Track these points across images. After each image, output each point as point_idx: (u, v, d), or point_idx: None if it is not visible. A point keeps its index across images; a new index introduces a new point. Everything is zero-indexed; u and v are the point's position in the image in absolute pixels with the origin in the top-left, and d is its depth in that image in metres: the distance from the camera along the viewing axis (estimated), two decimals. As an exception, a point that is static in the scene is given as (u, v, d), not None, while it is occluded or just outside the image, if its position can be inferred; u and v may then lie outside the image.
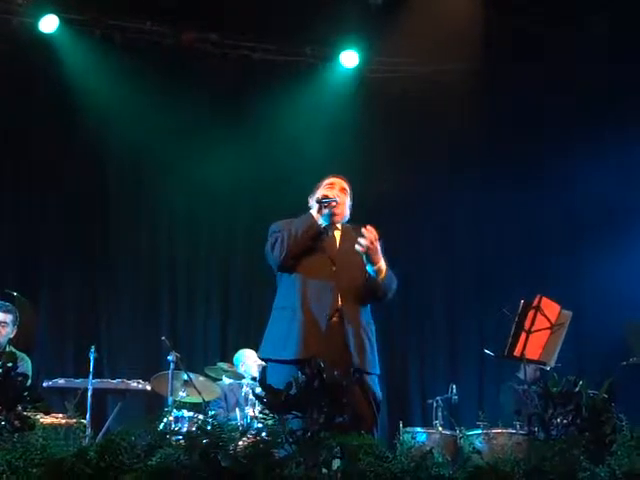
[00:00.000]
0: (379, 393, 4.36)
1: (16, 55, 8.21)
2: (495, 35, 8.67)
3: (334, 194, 4.49)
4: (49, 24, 8.40)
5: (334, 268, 4.39)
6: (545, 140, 9.27)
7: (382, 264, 4.37)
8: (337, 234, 4.55)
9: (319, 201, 4.42)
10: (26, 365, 6.13)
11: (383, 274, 4.39)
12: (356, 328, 4.32)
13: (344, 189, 4.60)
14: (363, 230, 4.29)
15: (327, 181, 4.61)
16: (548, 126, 9.21)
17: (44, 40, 8.45)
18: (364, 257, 4.32)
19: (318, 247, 4.43)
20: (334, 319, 4.30)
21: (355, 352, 4.26)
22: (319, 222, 4.42)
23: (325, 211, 4.43)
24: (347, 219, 4.63)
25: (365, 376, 4.29)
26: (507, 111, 9.12)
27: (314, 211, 4.44)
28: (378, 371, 4.39)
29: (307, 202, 4.63)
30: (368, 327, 4.42)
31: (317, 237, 4.42)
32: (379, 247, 4.33)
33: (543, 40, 8.76)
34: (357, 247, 4.29)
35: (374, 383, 4.35)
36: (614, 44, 8.64)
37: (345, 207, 4.59)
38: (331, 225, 4.53)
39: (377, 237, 4.31)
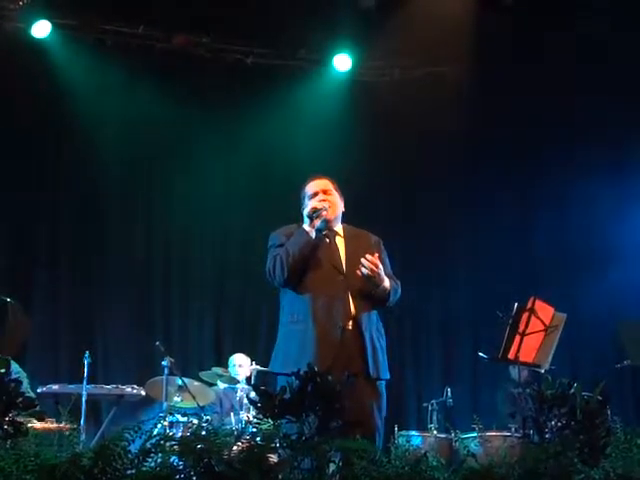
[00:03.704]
0: (385, 400, 4.33)
1: (9, 60, 8.19)
2: (489, 36, 8.67)
3: (321, 204, 4.40)
4: (41, 29, 8.38)
5: (341, 277, 4.34)
6: (543, 142, 9.26)
7: (386, 283, 4.34)
8: (339, 240, 4.48)
9: (310, 216, 4.35)
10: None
11: (387, 290, 4.36)
12: (371, 334, 4.30)
13: (329, 190, 4.52)
14: (362, 260, 4.24)
15: (310, 189, 4.52)
16: (546, 127, 9.19)
17: (37, 45, 8.44)
18: (368, 281, 4.28)
19: (321, 257, 4.36)
20: (349, 327, 4.26)
21: (371, 359, 4.24)
22: (313, 235, 4.33)
23: (317, 222, 4.35)
24: (341, 215, 4.55)
25: (377, 383, 4.28)
26: (504, 112, 9.10)
27: (307, 225, 4.36)
28: (388, 376, 4.37)
29: (301, 205, 4.56)
30: (379, 332, 4.40)
31: (316, 250, 4.35)
32: (381, 271, 4.30)
33: (541, 40, 8.77)
34: (359, 273, 4.25)
35: (383, 389, 4.33)
36: (614, 46, 8.65)
37: (336, 207, 4.51)
38: (330, 231, 4.48)
39: (377, 264, 4.26)
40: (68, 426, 3.15)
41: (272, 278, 4.39)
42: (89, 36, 8.64)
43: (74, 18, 8.57)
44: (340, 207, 4.56)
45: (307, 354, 4.10)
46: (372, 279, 4.27)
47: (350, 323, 4.27)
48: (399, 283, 4.50)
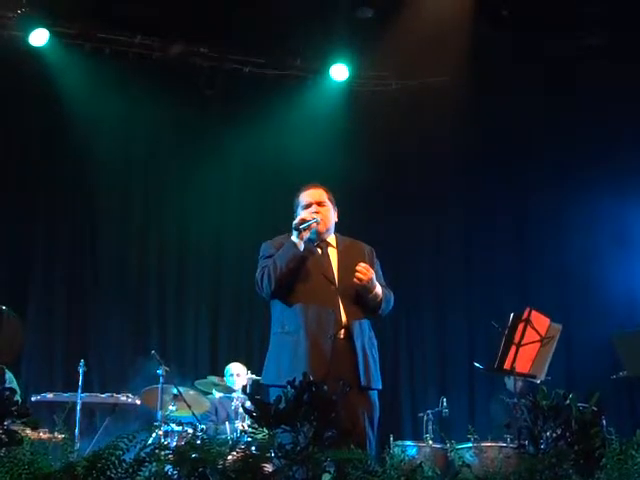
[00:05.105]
0: (377, 409, 4.31)
1: (6, 68, 8.20)
2: (486, 46, 8.70)
3: (311, 215, 4.34)
4: (39, 38, 8.40)
5: (333, 287, 4.31)
6: (542, 154, 9.28)
7: (378, 290, 4.32)
8: (332, 251, 4.45)
9: (297, 228, 4.28)
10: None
11: (379, 298, 4.35)
12: (362, 343, 4.27)
13: (323, 202, 4.46)
14: (357, 267, 4.22)
15: (304, 199, 4.47)
16: (546, 138, 9.21)
17: (34, 53, 8.45)
18: (361, 289, 4.27)
19: (312, 268, 4.32)
20: (340, 337, 4.23)
21: (362, 369, 4.21)
22: (301, 248, 4.27)
23: (306, 234, 4.30)
24: (334, 227, 4.52)
25: (369, 393, 4.25)
26: (501, 123, 9.12)
27: (295, 237, 4.28)
28: (380, 386, 4.34)
29: (294, 213, 4.51)
30: (371, 342, 4.37)
31: (304, 261, 4.31)
32: (373, 277, 4.28)
33: (539, 50, 8.80)
34: (355, 280, 4.24)
35: (375, 399, 4.30)
36: (613, 57, 8.67)
37: (328, 220, 4.46)
38: (322, 242, 4.44)
39: (368, 268, 4.25)
40: (62, 435, 3.13)
41: (260, 289, 4.36)
42: (86, 44, 8.65)
43: (71, 27, 8.59)
44: (333, 219, 4.51)
45: (299, 365, 4.06)
46: (365, 284, 4.25)
47: (342, 332, 4.24)
48: (392, 293, 4.49)
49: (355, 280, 4.24)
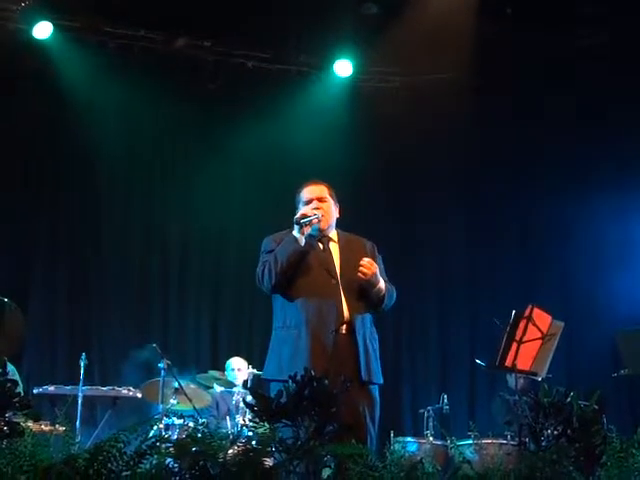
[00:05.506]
0: (378, 404, 4.32)
1: (10, 61, 8.20)
2: (489, 43, 8.69)
3: (312, 211, 4.37)
4: (43, 30, 8.39)
5: (334, 281, 4.33)
6: (545, 151, 9.26)
7: (381, 284, 4.35)
8: (333, 246, 4.47)
9: (298, 222, 4.30)
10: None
11: (383, 292, 4.37)
12: (364, 338, 4.29)
13: (324, 198, 4.49)
14: (362, 262, 4.25)
15: (305, 195, 4.49)
16: (545, 133, 9.19)
17: (38, 46, 8.44)
18: (365, 284, 4.29)
19: (314, 263, 4.35)
20: (342, 332, 4.25)
21: (364, 364, 4.23)
22: (302, 243, 4.30)
23: (308, 229, 4.32)
24: (335, 223, 4.54)
25: (370, 388, 4.27)
26: (501, 120, 9.12)
27: (296, 232, 4.32)
28: (381, 380, 4.36)
29: (296, 210, 4.52)
30: (373, 336, 4.39)
31: (305, 256, 4.33)
32: (377, 271, 4.31)
33: (541, 48, 8.78)
34: (360, 275, 4.26)
35: (376, 393, 4.32)
36: (614, 55, 8.65)
37: (330, 216, 4.48)
38: (324, 237, 4.46)
39: (372, 263, 4.27)
40: (63, 427, 3.14)
41: (261, 284, 4.38)
42: (91, 38, 8.64)
43: (76, 20, 8.58)
44: (334, 214, 4.54)
45: (300, 359, 4.09)
46: (369, 279, 4.27)
47: (343, 327, 4.26)
48: (394, 288, 4.51)
49: (359, 274, 4.26)
